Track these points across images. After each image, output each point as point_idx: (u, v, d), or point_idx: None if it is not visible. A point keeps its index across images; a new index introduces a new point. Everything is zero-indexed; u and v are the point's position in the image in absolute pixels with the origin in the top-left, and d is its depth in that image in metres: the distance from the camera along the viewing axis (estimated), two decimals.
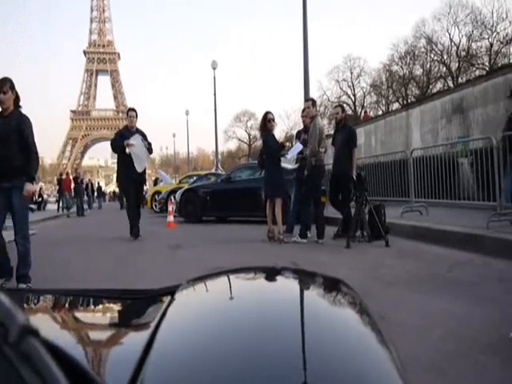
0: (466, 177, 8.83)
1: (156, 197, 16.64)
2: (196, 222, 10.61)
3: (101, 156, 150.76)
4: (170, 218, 9.98)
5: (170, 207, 10.38)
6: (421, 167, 8.52)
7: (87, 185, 24.69)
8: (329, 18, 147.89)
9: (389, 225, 6.54)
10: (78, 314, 0.87)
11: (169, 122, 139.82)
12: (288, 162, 6.80)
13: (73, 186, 19.26)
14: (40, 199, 24.71)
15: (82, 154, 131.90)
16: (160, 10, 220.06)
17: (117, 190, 30.21)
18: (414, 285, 3.73)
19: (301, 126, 7.42)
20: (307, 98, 6.72)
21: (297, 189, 7.17)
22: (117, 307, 0.92)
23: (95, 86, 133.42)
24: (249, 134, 62.89)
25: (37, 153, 4.15)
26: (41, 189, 26.41)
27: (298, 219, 7.14)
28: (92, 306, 0.93)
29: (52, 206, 27.12)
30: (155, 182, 26.33)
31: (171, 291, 0.79)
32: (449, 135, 14.77)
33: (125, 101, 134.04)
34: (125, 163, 7.42)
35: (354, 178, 6.30)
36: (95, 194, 29.27)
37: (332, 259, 5.15)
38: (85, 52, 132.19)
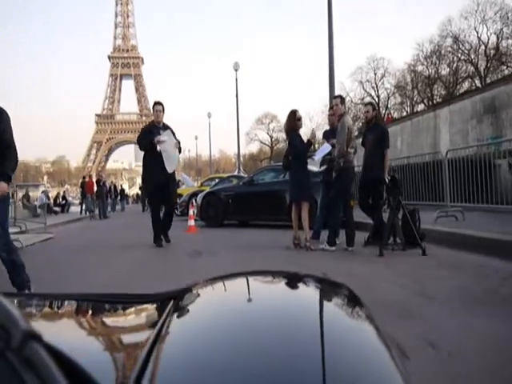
0: (504, 179, 8.22)
1: (177, 200, 16.39)
2: (217, 226, 10.22)
3: (125, 159, 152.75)
4: (191, 223, 9.63)
5: (191, 211, 10.02)
6: (455, 169, 7.97)
7: (110, 187, 24.62)
8: (352, 19, 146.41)
9: (422, 231, 6.02)
10: (81, 319, 0.87)
11: (191, 124, 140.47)
12: (313, 164, 6.37)
13: (95, 188, 19.18)
14: (64, 202, 24.82)
15: (107, 157, 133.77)
16: (182, 12, 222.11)
17: (140, 192, 30.16)
18: (467, 303, 3.23)
19: (324, 128, 6.92)
20: (335, 95, 6.25)
21: (324, 192, 6.71)
22: (120, 312, 0.90)
23: (119, 90, 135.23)
24: (271, 137, 62.55)
25: (15, 149, 3.67)
26: (64, 191, 26.52)
27: (324, 224, 6.69)
28: (95, 311, 0.91)
29: (76, 209, 27.25)
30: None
31: (174, 295, 0.79)
32: (480, 136, 14.11)
33: (148, 104, 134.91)
34: (153, 163, 6.66)
35: (387, 180, 5.80)
36: (118, 196, 29.26)
37: (365, 270, 4.68)
38: (109, 57, 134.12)
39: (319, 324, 0.65)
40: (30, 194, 21.42)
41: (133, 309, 0.89)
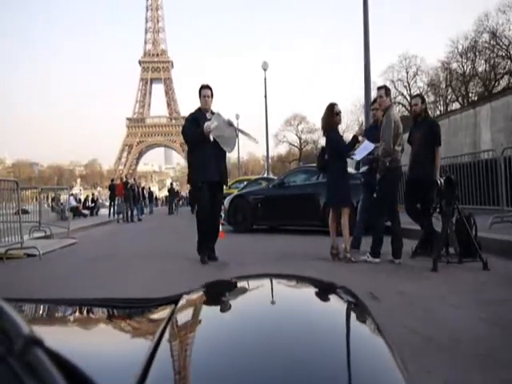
0: None
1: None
2: (246, 231, 9.58)
3: (155, 162, 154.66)
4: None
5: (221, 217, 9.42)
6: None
7: (138, 190, 24.29)
8: (383, 17, 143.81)
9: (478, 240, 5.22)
10: (82, 324, 0.87)
11: None
12: (349, 165, 5.66)
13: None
14: (93, 204, 24.73)
15: (137, 159, 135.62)
16: (210, 14, 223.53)
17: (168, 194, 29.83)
18: None
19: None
20: (380, 86, 5.49)
21: (365, 196, 5.97)
22: (121, 316, 0.88)
23: (150, 93, 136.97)
24: (299, 138, 61.69)
25: None
26: (93, 194, 26.46)
27: (366, 230, 5.96)
28: (96, 316, 0.91)
29: (106, 211, 27.19)
30: None
31: (175, 300, 0.79)
32: None
33: (178, 107, 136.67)
34: (204, 158, 5.52)
35: (439, 182, 5.02)
36: (146, 199, 29.03)
37: (419, 289, 3.94)
38: (140, 62, 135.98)
39: (321, 327, 0.65)
40: (61, 196, 21.43)
41: (134, 313, 0.88)
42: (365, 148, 5.36)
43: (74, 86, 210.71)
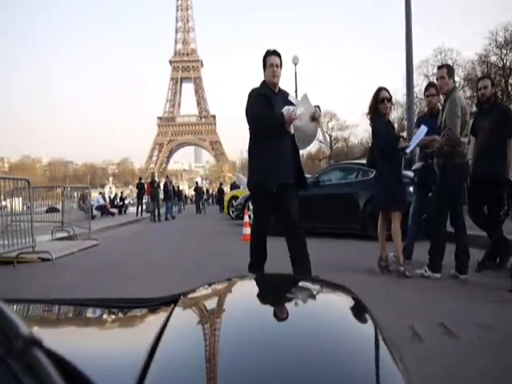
0: None
1: (233, 202, 15.10)
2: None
3: (185, 160, 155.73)
4: (246, 231, 8.23)
5: (246, 217, 8.62)
6: None
7: (170, 188, 23.60)
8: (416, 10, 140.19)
9: None
10: (81, 324, 0.87)
11: None
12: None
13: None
14: (121, 203, 24.39)
15: (168, 158, 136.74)
16: (240, 12, 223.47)
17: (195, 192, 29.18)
18: None
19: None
20: (440, 65, 4.56)
21: (419, 197, 5.06)
22: (120, 316, 0.88)
23: (180, 93, 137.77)
24: (330, 136, 60.31)
25: None
26: (122, 192, 26.16)
27: (427, 234, 5.05)
28: (95, 316, 0.90)
29: (135, 210, 26.88)
30: (232, 187, 24.89)
31: (174, 300, 0.79)
32: None
33: (207, 106, 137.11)
34: (273, 152, 3.95)
35: None
36: (174, 198, 28.55)
37: (505, 319, 3.04)
38: (170, 61, 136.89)
39: (321, 327, 0.65)
40: (90, 195, 21.15)
41: (133, 313, 0.86)
42: (418, 135, 4.43)
43: (108, 86, 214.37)
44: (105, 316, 0.89)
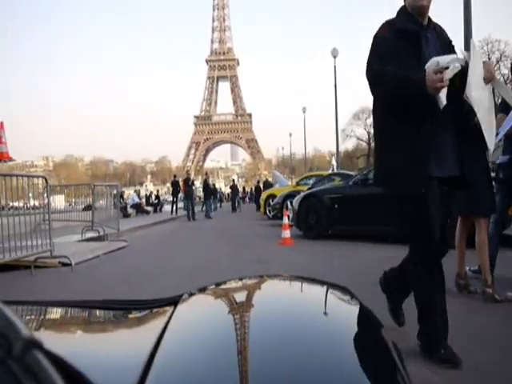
0: None
1: (270, 201, 14.27)
2: (319, 237, 7.84)
3: (221, 158, 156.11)
4: (286, 234, 7.38)
5: (286, 218, 7.76)
6: None
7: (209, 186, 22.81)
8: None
9: None
10: (82, 326, 0.86)
11: (285, 121, 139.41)
12: None
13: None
14: (156, 201, 24.07)
15: (204, 156, 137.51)
16: (276, 11, 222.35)
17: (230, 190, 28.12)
18: None
19: None
20: None
21: (503, 199, 4.07)
22: (121, 318, 0.87)
23: (216, 91, 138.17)
24: (368, 133, 58.53)
25: None
26: (157, 191, 25.81)
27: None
28: (96, 318, 0.90)
29: (170, 208, 26.54)
30: (265, 185, 23.81)
31: (175, 301, 0.78)
32: None
33: (243, 105, 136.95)
34: (426, 134, 2.29)
35: None
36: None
37: None
38: (207, 60, 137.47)
39: (321, 327, 0.65)
40: (125, 193, 20.79)
41: (134, 315, 0.86)
42: (509, 120, 3.45)
43: (146, 87, 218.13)
44: (106, 317, 0.88)
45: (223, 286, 0.90)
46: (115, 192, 9.67)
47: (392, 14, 2.48)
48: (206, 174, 21.29)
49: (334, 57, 21.93)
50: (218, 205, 28.08)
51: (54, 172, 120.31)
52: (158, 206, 23.68)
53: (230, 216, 19.35)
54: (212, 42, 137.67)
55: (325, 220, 7.73)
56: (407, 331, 2.59)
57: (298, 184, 13.81)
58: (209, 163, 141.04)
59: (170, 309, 0.74)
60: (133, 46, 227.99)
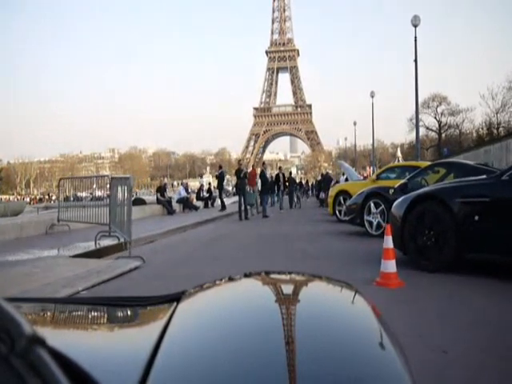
0: None
1: (341, 199, 10.95)
2: (443, 268, 4.53)
3: (280, 150, 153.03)
4: (389, 266, 4.06)
5: (389, 240, 4.29)
6: None
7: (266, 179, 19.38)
8: None
9: None
10: (85, 322, 0.85)
11: (350, 111, 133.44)
12: None
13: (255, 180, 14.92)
14: (208, 194, 21.29)
15: (264, 148, 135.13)
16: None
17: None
18: None
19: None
20: None
21: None
22: (123, 314, 0.86)
23: (276, 83, 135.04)
24: (439, 122, 52.91)
25: None
26: (209, 183, 23.14)
27: None
28: (98, 314, 0.89)
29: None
30: (325, 179, 20.05)
31: (177, 297, 0.77)
32: None
33: (303, 96, 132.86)
34: None
35: None
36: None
37: None
38: (267, 52, 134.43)
39: (327, 324, 0.64)
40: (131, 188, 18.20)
41: (136, 311, 0.84)
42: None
43: (206, 79, 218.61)
44: (107, 314, 0.86)
45: (226, 282, 0.87)
46: (126, 187, 6.83)
47: None
48: (264, 164, 18.27)
49: (415, 26, 18.09)
50: (276, 199, 24.24)
51: (120, 163, 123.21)
52: (209, 199, 20.94)
53: (288, 214, 16.17)
54: (272, 33, 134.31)
55: (455, 241, 4.38)
56: None
57: (378, 178, 10.38)
58: (268, 155, 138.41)
59: (171, 305, 0.72)
60: (196, 37, 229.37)
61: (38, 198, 67.36)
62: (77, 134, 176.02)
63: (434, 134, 55.05)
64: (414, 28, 18.15)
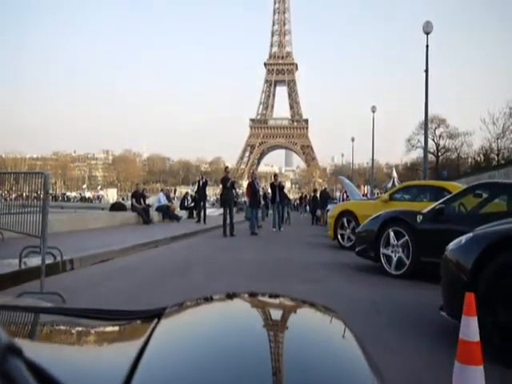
0: None
1: (344, 221, 8.95)
2: None
3: (275, 163, 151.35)
4: (472, 379, 2.11)
5: (472, 324, 2.25)
6: None
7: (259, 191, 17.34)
8: None
9: None
10: (64, 334, 0.83)
11: (347, 126, 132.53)
12: None
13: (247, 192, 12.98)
14: (193, 204, 19.14)
15: (259, 160, 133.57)
16: (338, 16, 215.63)
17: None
18: None
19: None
20: None
21: None
22: (103, 328, 0.83)
23: (273, 95, 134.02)
24: (437, 144, 51.29)
25: None
26: (195, 190, 21.05)
27: None
28: (78, 326, 0.84)
29: (212, 213, 21.80)
30: (322, 196, 18.15)
31: (158, 313, 0.75)
32: None
33: (300, 110, 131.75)
34: None
35: None
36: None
37: None
38: (265, 64, 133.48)
39: (306, 349, 0.63)
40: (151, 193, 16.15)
41: (117, 326, 0.82)
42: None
43: (204, 87, 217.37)
44: (87, 326, 0.83)
45: (207, 300, 0.87)
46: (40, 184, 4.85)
47: None
48: (253, 173, 16.30)
49: (427, 33, 16.36)
50: (265, 214, 22.32)
51: (113, 165, 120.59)
52: (195, 209, 18.86)
53: (281, 232, 14.13)
54: (271, 45, 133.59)
55: None
56: None
57: (391, 198, 8.42)
58: (263, 167, 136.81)
59: (152, 321, 0.70)
60: (193, 45, 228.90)
61: None
62: (72, 133, 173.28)
63: (431, 157, 53.52)
64: (425, 35, 16.42)
